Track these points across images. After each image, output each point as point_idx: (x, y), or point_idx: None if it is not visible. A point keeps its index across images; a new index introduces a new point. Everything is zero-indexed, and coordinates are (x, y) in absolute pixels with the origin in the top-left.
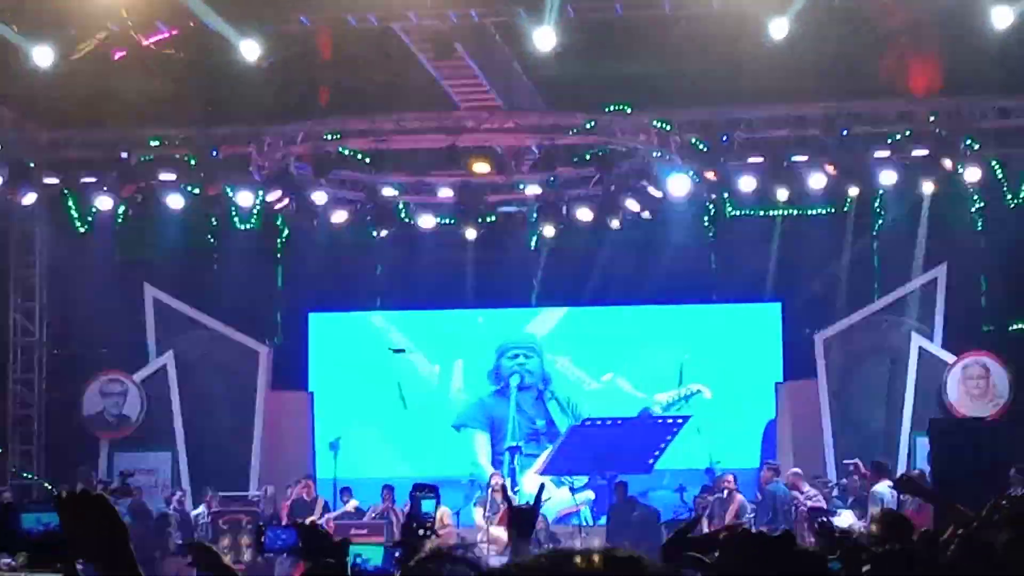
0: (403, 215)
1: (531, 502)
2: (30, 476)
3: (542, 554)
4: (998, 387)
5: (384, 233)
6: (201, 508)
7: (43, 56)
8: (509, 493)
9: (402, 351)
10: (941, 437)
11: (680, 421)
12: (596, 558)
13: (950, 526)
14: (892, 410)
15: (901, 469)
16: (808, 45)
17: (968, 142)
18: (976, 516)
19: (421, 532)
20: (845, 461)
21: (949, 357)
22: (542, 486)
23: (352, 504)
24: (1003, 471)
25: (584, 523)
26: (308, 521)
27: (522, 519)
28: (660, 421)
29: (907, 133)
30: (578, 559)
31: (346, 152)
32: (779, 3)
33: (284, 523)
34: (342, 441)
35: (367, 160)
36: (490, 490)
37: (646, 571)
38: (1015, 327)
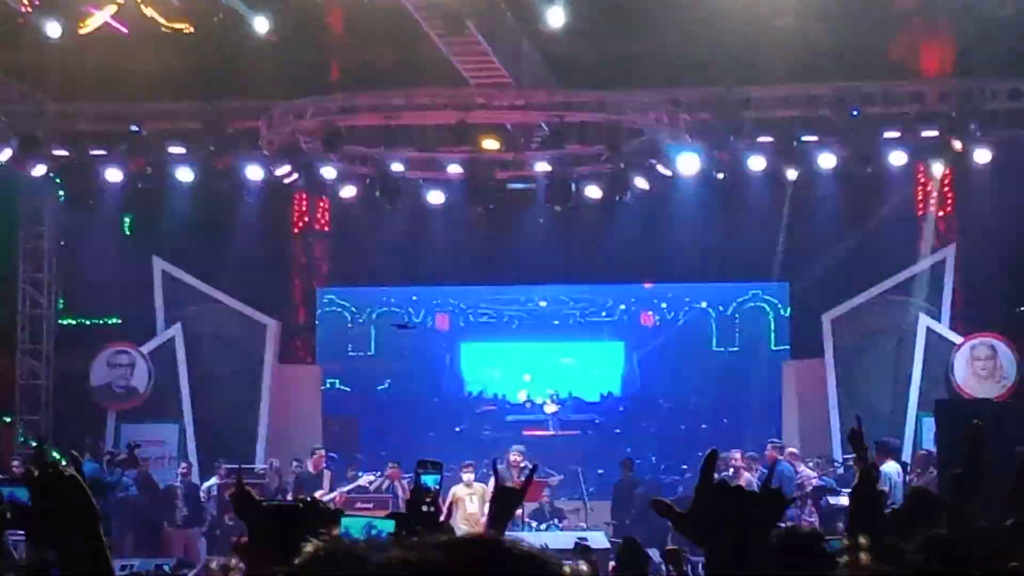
0: (413, 191)
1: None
2: (44, 446)
3: (430, 543)
4: (1005, 368)
5: (393, 209)
6: (213, 480)
7: (53, 28)
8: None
9: (406, 327)
10: (947, 418)
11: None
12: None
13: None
14: (899, 390)
15: (907, 450)
16: (819, 24)
17: (978, 123)
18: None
19: (424, 508)
20: (845, 456)
21: (956, 338)
22: (534, 468)
23: (366, 478)
24: (1010, 452)
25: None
26: (314, 495)
27: (505, 502)
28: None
29: (918, 113)
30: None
31: (356, 127)
32: None
33: (289, 497)
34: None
35: (377, 135)
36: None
37: (509, 552)
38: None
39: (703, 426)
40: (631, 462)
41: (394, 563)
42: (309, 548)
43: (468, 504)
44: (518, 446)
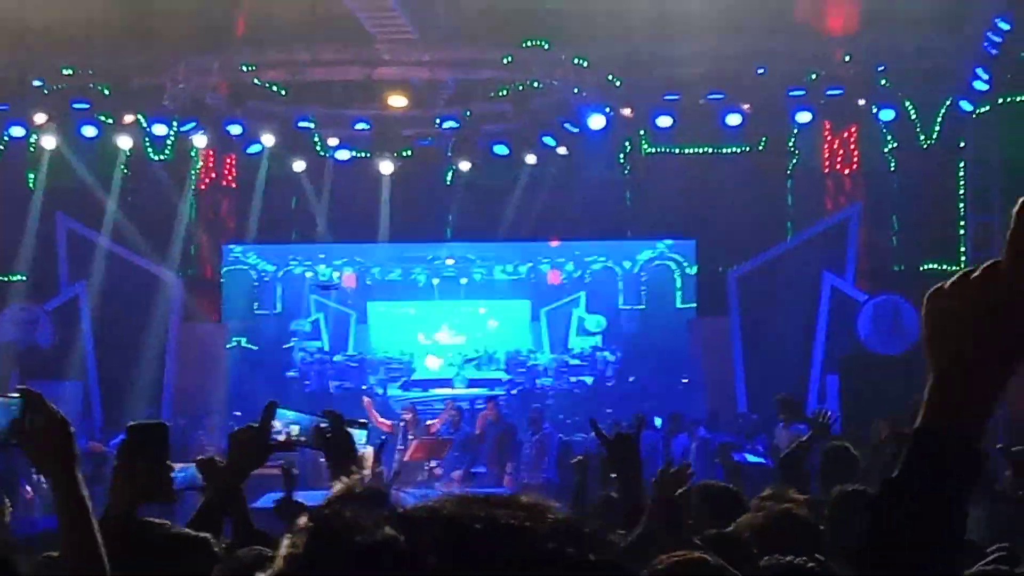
0: (319, 148)
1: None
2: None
3: (467, 497)
4: (908, 326)
5: (300, 166)
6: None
7: None
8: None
9: (329, 287)
10: (851, 374)
11: None
12: (519, 501)
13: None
14: (804, 348)
15: (812, 406)
16: None
17: (883, 82)
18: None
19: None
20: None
21: (861, 296)
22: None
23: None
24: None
25: None
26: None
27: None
28: None
29: (823, 73)
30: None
31: (262, 83)
32: None
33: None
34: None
35: (283, 92)
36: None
37: (559, 515)
38: (926, 267)
39: (609, 384)
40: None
41: (420, 509)
42: (338, 486)
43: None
44: (408, 405)
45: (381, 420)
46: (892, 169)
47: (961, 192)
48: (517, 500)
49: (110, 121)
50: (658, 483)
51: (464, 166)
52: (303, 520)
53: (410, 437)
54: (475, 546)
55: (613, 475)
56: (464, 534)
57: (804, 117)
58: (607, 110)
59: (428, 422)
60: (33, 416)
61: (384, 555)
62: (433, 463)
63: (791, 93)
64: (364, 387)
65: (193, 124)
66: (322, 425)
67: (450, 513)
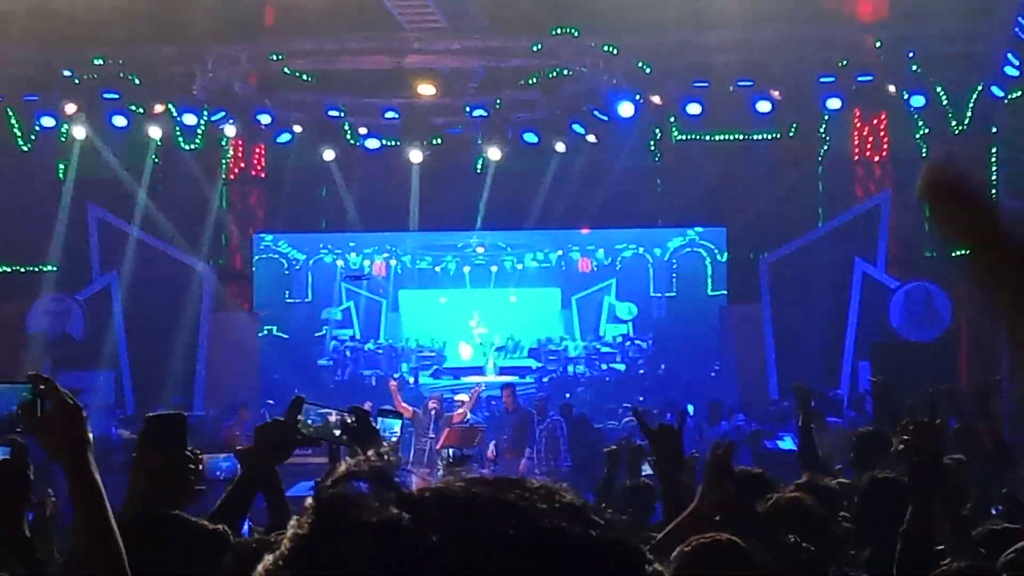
0: (348, 136)
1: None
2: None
3: (475, 479)
4: (940, 312)
5: (329, 155)
6: None
7: None
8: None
9: (360, 278)
10: (883, 361)
11: None
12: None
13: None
14: (835, 335)
15: (844, 393)
16: None
17: (913, 68)
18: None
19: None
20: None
21: (892, 282)
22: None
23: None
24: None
25: None
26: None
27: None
28: None
29: (853, 59)
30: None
31: (291, 72)
32: None
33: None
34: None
35: (312, 81)
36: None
37: (567, 496)
38: (958, 254)
39: (640, 371)
40: (570, 407)
41: (428, 492)
42: (343, 466)
43: None
44: (435, 393)
45: (403, 405)
46: (924, 155)
47: (993, 178)
48: (524, 482)
49: (140, 111)
50: (712, 462)
51: (494, 154)
52: (309, 501)
53: (438, 425)
54: (479, 525)
55: (646, 464)
56: (468, 514)
57: (834, 104)
58: (637, 97)
59: (458, 411)
60: (43, 402)
61: (389, 534)
62: (452, 452)
63: (821, 80)
64: (396, 375)
65: (223, 114)
66: (348, 420)
67: (455, 493)
